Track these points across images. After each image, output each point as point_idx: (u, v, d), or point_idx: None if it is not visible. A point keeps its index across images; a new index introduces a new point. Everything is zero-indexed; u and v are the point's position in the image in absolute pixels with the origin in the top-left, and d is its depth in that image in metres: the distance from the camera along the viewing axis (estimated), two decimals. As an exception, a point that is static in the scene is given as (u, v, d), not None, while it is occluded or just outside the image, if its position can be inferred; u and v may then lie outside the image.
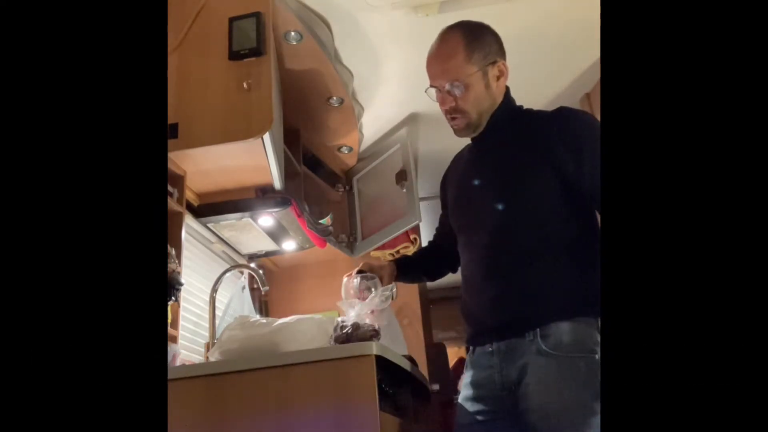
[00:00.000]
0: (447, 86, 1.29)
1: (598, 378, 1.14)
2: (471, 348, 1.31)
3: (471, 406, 1.26)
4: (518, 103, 1.37)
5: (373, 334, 1.24)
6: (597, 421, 1.11)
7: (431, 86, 1.33)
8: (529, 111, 1.35)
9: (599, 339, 1.17)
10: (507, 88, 1.35)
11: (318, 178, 2.48)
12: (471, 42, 1.28)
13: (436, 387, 2.40)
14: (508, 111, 1.33)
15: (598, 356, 1.16)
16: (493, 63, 1.30)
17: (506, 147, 1.30)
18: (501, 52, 1.33)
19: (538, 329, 1.17)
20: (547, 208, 1.23)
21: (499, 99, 1.32)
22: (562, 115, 1.28)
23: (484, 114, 1.31)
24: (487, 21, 1.34)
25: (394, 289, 1.44)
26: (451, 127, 1.35)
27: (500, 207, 1.25)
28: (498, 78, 1.31)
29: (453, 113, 1.31)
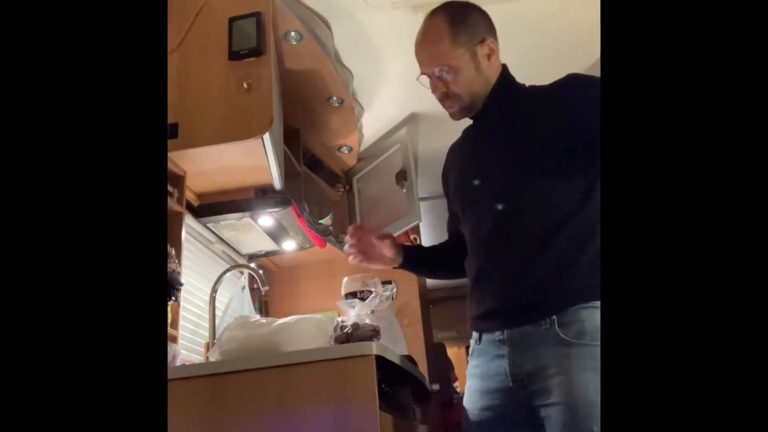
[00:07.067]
0: (436, 72, 1.24)
1: None
2: (477, 335, 1.23)
3: (479, 399, 1.19)
4: None
5: (373, 334, 1.24)
6: None
7: (422, 73, 1.28)
8: (534, 87, 1.27)
9: None
10: (504, 67, 1.29)
11: (318, 178, 2.49)
12: (455, 24, 1.23)
13: (436, 387, 2.40)
14: (506, 89, 1.27)
15: None
16: (482, 42, 1.24)
17: (508, 126, 1.24)
18: (490, 29, 1.27)
19: (555, 316, 1.09)
20: (559, 187, 1.16)
21: (494, 78, 1.26)
22: (571, 84, 1.21)
23: (477, 95, 1.25)
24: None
25: (395, 290, 1.44)
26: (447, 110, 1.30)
27: (506, 187, 1.19)
28: (489, 57, 1.25)
29: (444, 99, 1.26)
